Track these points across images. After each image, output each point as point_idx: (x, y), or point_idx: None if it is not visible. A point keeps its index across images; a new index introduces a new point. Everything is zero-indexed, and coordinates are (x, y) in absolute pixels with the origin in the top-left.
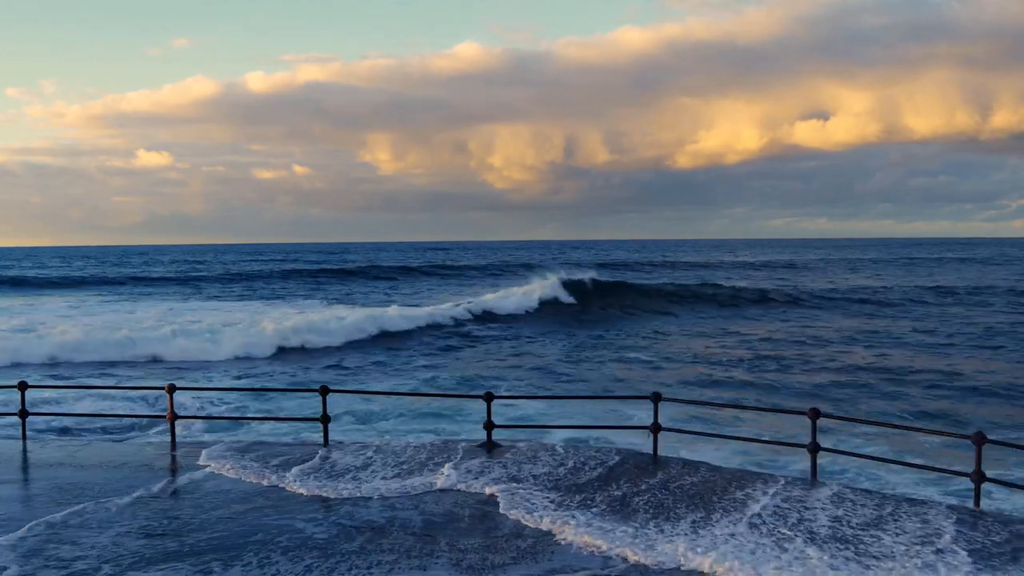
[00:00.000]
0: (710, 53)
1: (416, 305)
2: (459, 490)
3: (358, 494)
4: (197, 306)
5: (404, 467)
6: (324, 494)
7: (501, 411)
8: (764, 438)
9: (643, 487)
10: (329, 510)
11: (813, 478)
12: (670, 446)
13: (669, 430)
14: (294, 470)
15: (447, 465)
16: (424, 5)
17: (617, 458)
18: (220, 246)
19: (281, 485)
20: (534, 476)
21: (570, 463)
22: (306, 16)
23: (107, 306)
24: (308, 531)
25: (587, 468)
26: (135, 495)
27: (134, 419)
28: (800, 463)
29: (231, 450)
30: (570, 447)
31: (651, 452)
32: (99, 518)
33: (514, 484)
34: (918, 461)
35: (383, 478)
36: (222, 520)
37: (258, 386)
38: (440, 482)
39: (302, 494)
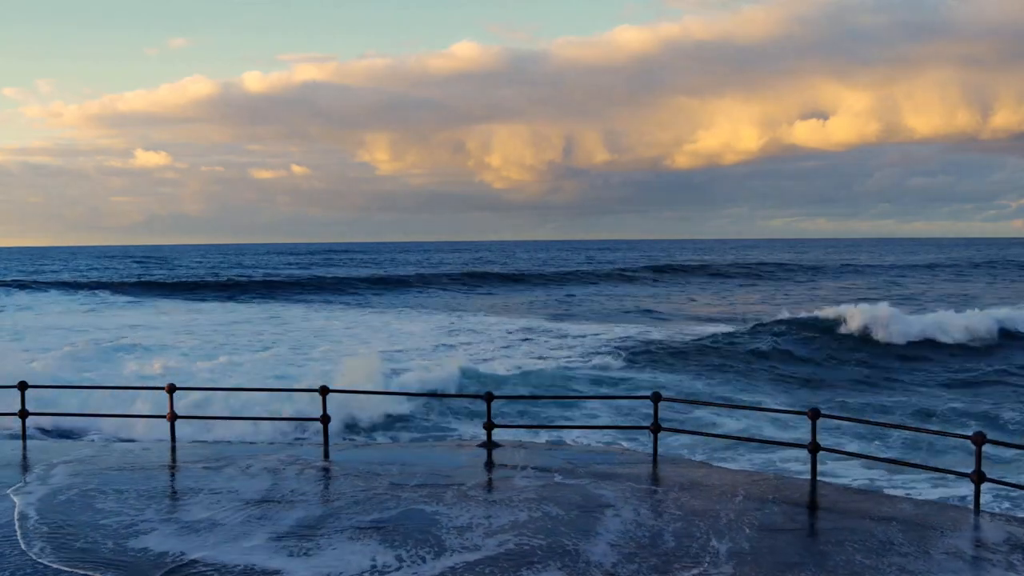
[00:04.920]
0: (708, 52)
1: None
2: None
3: None
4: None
5: None
6: None
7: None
8: (762, 437)
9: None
10: None
11: (812, 477)
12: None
13: (668, 430)
14: None
15: None
16: (419, 4)
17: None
18: (224, 246)
19: None
20: None
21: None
22: (302, 16)
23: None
24: None
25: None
26: None
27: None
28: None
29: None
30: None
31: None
32: None
33: None
34: (918, 461)
35: None
36: None
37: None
38: None
39: None
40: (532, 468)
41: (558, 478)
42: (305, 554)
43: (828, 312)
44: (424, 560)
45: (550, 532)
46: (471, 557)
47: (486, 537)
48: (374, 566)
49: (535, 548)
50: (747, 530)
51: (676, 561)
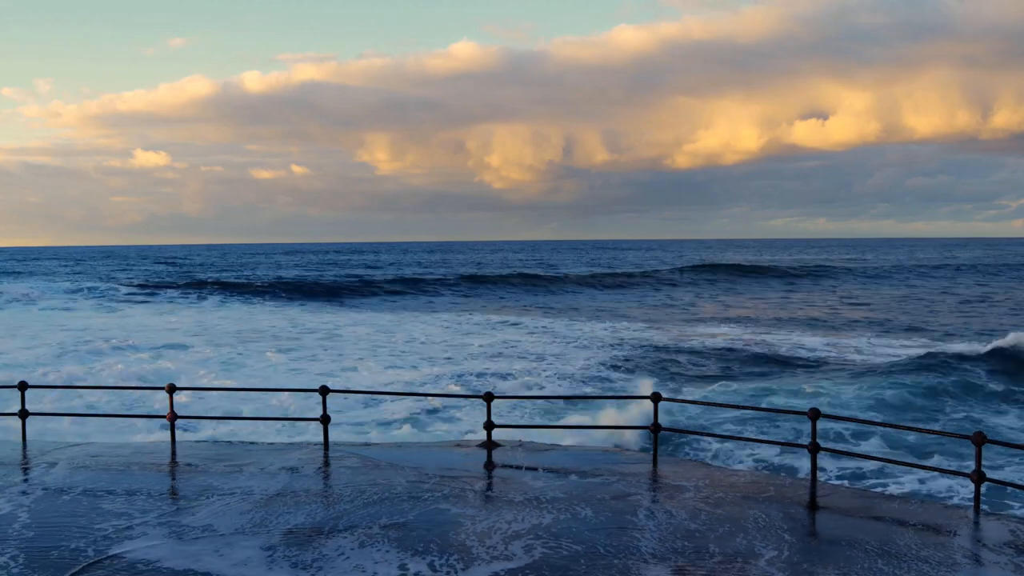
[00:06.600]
0: (707, 52)
1: None
2: None
3: None
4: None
5: None
6: None
7: None
8: (761, 438)
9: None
10: None
11: (813, 478)
12: None
13: (668, 430)
14: None
15: None
16: (417, 4)
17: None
18: (226, 246)
19: None
20: None
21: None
22: (301, 15)
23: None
24: None
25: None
26: None
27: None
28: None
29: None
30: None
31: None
32: None
33: None
34: (918, 461)
35: None
36: None
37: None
38: None
39: None
40: (543, 469)
41: (574, 478)
42: (311, 565)
43: None
44: (455, 570)
45: (578, 536)
46: (508, 566)
47: (513, 542)
48: None
49: (576, 555)
50: (787, 536)
51: (724, 572)
